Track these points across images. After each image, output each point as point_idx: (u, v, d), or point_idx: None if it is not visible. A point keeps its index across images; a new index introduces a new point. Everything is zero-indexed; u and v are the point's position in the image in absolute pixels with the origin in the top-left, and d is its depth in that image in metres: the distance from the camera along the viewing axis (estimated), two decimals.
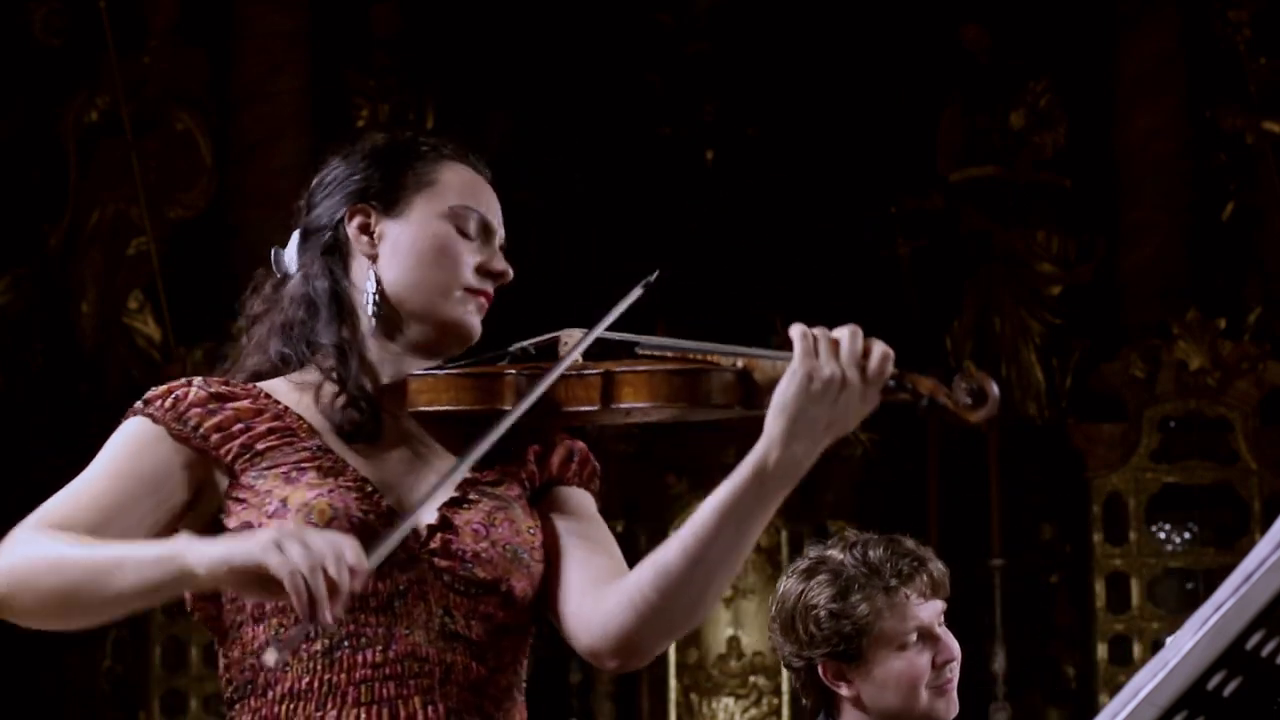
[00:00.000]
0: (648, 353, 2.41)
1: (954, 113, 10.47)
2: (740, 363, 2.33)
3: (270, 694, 2.31)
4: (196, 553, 2.17)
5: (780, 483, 2.24)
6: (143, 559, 2.21)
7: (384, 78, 10.48)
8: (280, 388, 2.44)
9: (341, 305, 2.44)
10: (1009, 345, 10.11)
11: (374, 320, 2.43)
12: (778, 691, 9.22)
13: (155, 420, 2.40)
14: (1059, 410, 9.99)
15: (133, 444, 2.42)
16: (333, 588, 2.10)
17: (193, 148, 9.94)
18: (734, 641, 9.21)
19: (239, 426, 2.38)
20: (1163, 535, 9.21)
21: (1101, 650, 8.96)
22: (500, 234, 2.48)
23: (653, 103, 10.79)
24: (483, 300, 2.45)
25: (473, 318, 2.44)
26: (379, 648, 2.29)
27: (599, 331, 2.40)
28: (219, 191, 10.00)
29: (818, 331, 2.26)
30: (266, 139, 9.98)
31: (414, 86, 10.50)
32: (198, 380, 2.43)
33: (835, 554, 3.11)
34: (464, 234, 2.44)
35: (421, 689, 2.29)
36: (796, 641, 3.09)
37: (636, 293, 2.47)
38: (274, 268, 2.55)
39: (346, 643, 2.29)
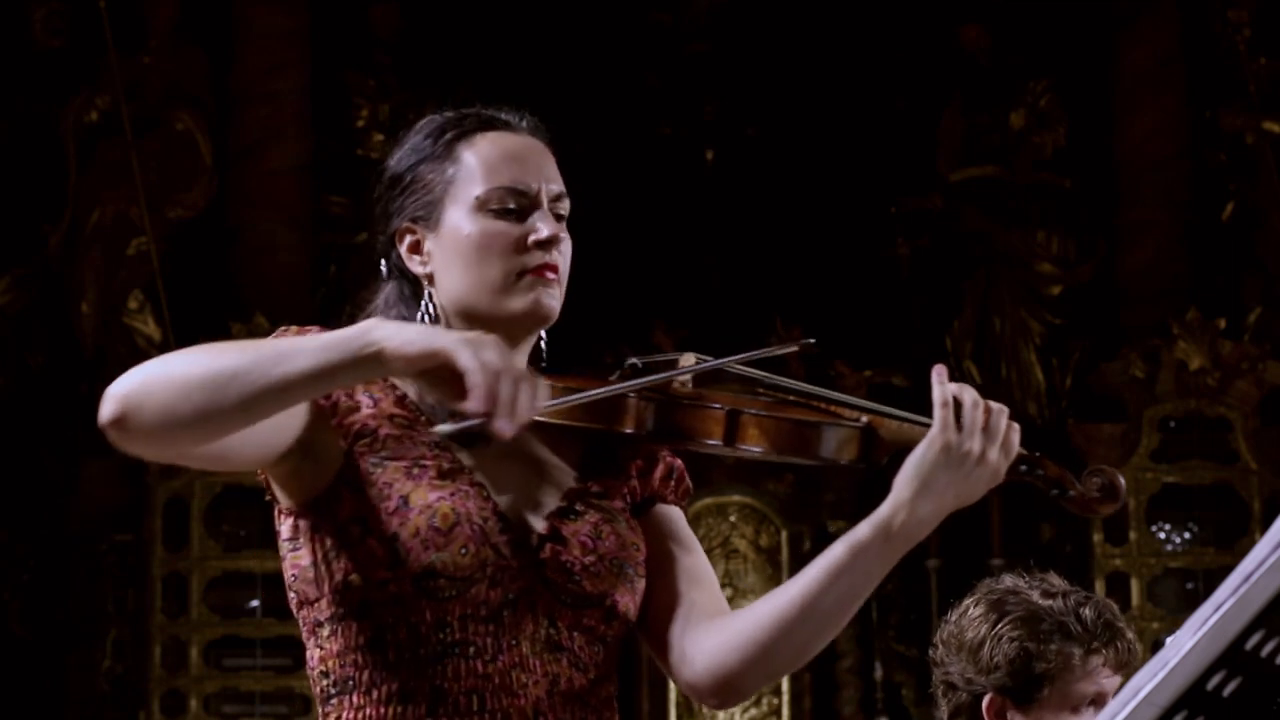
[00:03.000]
0: (769, 396, 2.36)
1: (954, 113, 10.48)
2: (864, 418, 2.32)
3: (375, 693, 2.25)
4: (387, 332, 2.10)
5: (903, 544, 2.27)
6: (322, 341, 2.11)
7: (384, 78, 10.48)
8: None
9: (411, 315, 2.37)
10: (1009, 345, 10.11)
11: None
12: (778, 692, 9.22)
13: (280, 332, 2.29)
14: (1059, 410, 10.00)
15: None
16: (514, 402, 2.06)
17: (193, 148, 9.94)
18: None
19: (366, 400, 2.31)
20: (1163, 535, 9.21)
21: None
22: (546, 191, 2.35)
23: (653, 103, 10.80)
24: (548, 274, 2.33)
25: (543, 299, 2.33)
26: (486, 658, 2.25)
27: (726, 362, 2.34)
28: (219, 191, 10.00)
29: (965, 396, 2.29)
30: (266, 139, 9.99)
31: (414, 86, 10.51)
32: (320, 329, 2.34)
33: (1036, 596, 3.06)
34: (502, 215, 2.33)
35: (530, 700, 2.26)
36: (975, 666, 3.05)
37: (789, 348, 2.45)
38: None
39: (456, 650, 2.24)
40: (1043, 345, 10.16)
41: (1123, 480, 2.33)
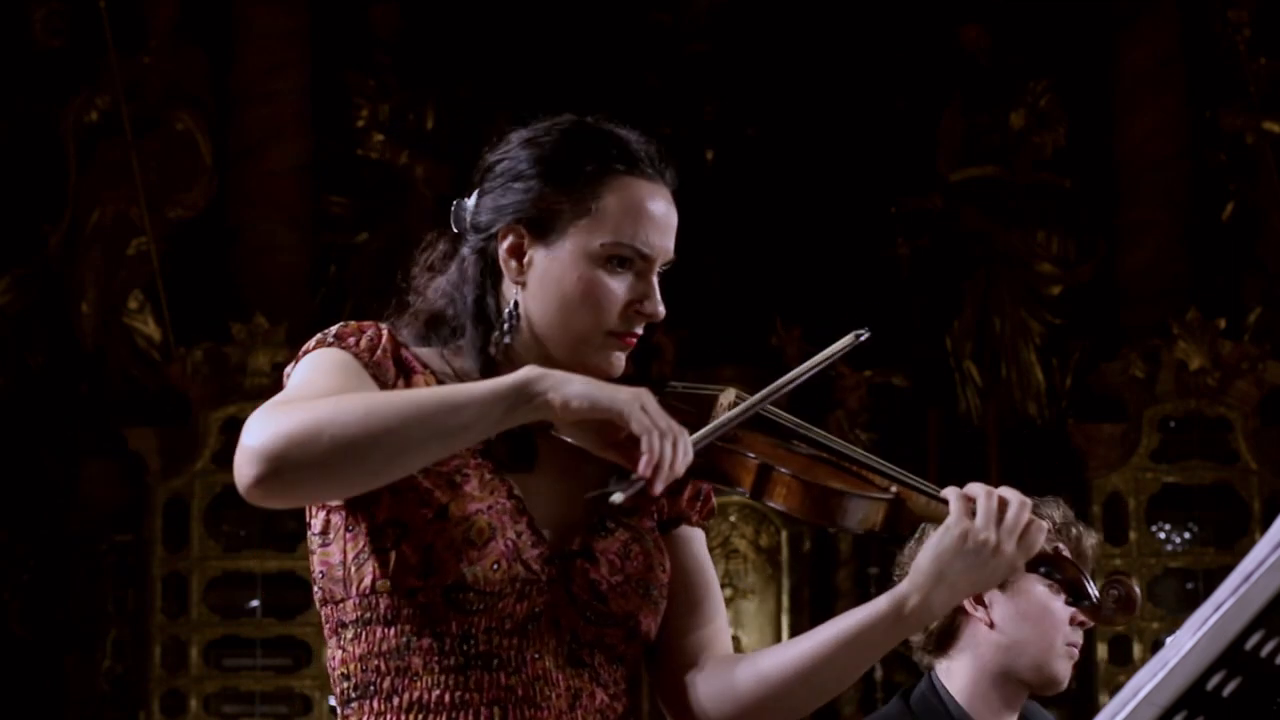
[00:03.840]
0: (805, 449, 2.35)
1: (954, 113, 10.48)
2: (894, 489, 2.30)
3: (396, 700, 2.25)
4: (552, 383, 2.12)
5: (913, 626, 2.29)
6: (487, 394, 2.12)
7: (384, 78, 10.48)
8: (436, 365, 2.36)
9: (486, 319, 2.35)
10: (1009, 345, 10.11)
11: (509, 340, 2.34)
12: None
13: (355, 356, 2.28)
14: (1059, 410, 10.00)
15: (340, 370, 2.26)
16: (675, 463, 2.11)
17: (193, 148, 9.94)
18: (734, 642, 9.20)
19: None
20: (1163, 535, 9.21)
21: (1101, 650, 8.96)
22: (663, 257, 2.36)
23: (653, 103, 10.79)
24: (631, 341, 2.34)
25: (615, 362, 2.34)
26: (510, 670, 2.25)
27: (763, 404, 2.33)
28: (219, 191, 10.00)
29: (980, 492, 2.28)
30: (266, 139, 9.99)
31: (414, 86, 10.51)
32: (385, 327, 2.34)
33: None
34: (616, 269, 2.32)
35: (553, 712, 2.26)
36: None
37: (845, 342, 2.43)
38: (452, 223, 2.41)
39: (479, 661, 2.24)
40: (1043, 345, 10.16)
41: (1138, 591, 2.35)
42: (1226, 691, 1.82)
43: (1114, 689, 8.40)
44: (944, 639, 3.15)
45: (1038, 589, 3.08)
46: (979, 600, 3.10)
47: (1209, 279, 10.16)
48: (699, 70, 10.92)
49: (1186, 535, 9.22)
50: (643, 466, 2.10)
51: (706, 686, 2.36)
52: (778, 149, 10.81)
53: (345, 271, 10.21)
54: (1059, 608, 3.08)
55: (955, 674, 3.15)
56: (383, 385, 2.28)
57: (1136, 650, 8.92)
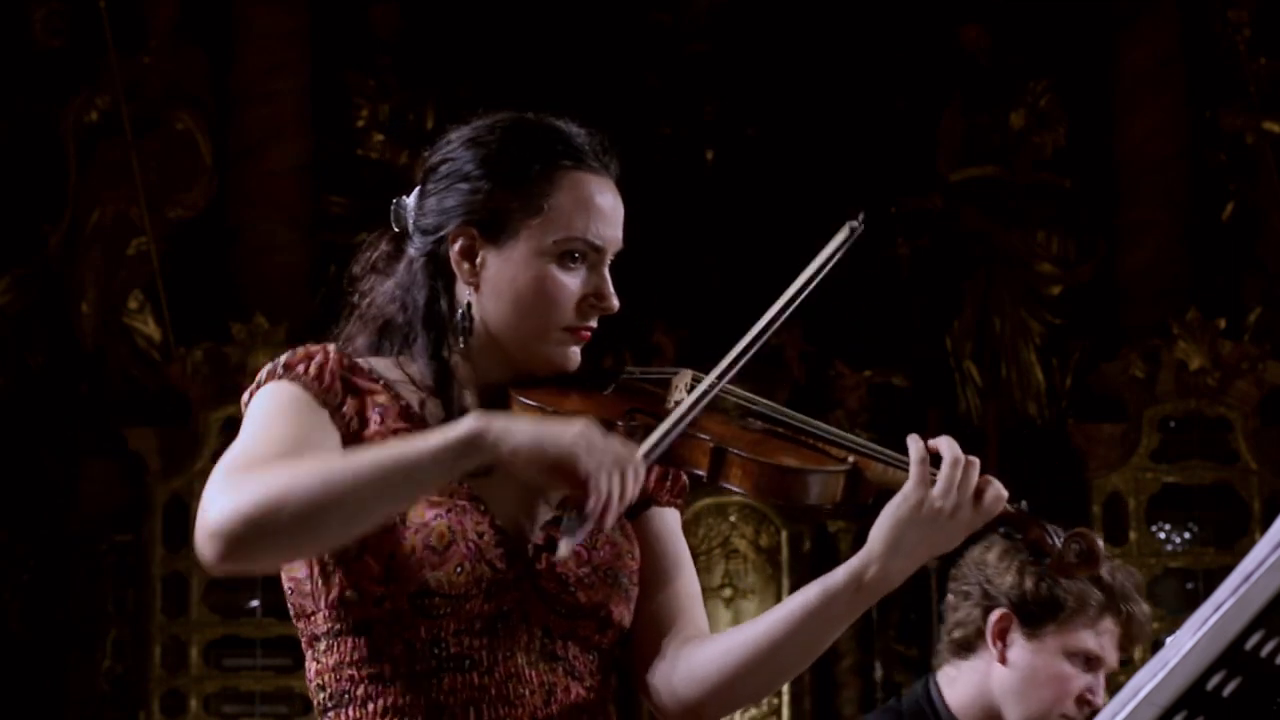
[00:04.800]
0: (760, 425, 2.35)
1: (954, 113, 10.47)
2: (852, 459, 2.30)
3: (371, 706, 2.26)
4: (497, 435, 2.12)
5: (873, 594, 2.30)
6: (438, 451, 2.11)
7: (384, 78, 10.48)
8: (391, 374, 2.36)
9: (439, 323, 2.36)
10: (1009, 345, 10.11)
11: (463, 343, 2.35)
12: (778, 691, 9.21)
13: (304, 387, 2.30)
14: (1059, 410, 9.99)
15: (291, 410, 2.28)
16: (624, 496, 2.12)
17: (193, 148, 9.94)
18: None
19: (375, 415, 2.32)
20: (1163, 535, 9.21)
21: None
22: (613, 247, 2.38)
23: (653, 103, 10.79)
24: (585, 334, 2.37)
25: (570, 355, 2.37)
26: (482, 670, 2.26)
27: (721, 384, 2.32)
28: (219, 191, 9.99)
29: (944, 451, 2.27)
30: (266, 139, 9.98)
31: (414, 87, 10.51)
32: (332, 348, 2.34)
33: None
34: (570, 264, 2.34)
35: (528, 710, 2.27)
36: (997, 581, 3.06)
37: (840, 237, 2.47)
38: (393, 222, 2.42)
39: (451, 664, 2.25)
40: (1043, 345, 10.16)
41: (1101, 544, 2.32)
42: (1226, 691, 1.82)
43: (1114, 689, 8.39)
44: (963, 646, 3.14)
45: (1062, 660, 3.07)
46: (1003, 633, 3.09)
47: (1209, 279, 10.15)
48: (699, 70, 10.91)
49: (1186, 535, 9.22)
50: (591, 507, 2.11)
51: (674, 668, 2.36)
52: (778, 149, 10.80)
53: (345, 271, 10.19)
54: (1074, 684, 3.07)
55: (959, 685, 3.14)
56: (333, 410, 2.28)
57: (1136, 650, 8.91)
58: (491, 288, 2.34)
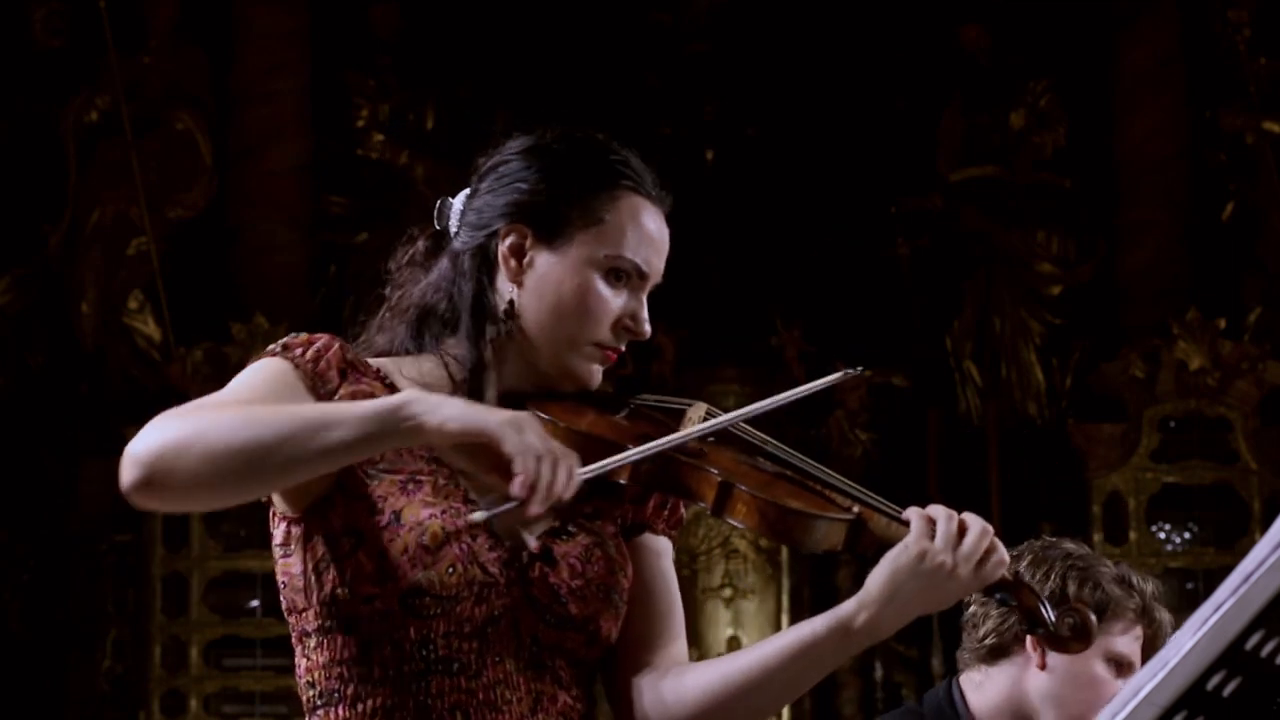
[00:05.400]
0: (770, 466, 2.34)
1: (954, 113, 10.48)
2: (856, 509, 2.30)
3: (360, 707, 2.26)
4: (427, 407, 2.12)
5: (862, 641, 2.29)
6: (362, 413, 2.11)
7: (384, 78, 10.48)
8: (398, 376, 2.36)
9: (482, 316, 2.37)
10: (1009, 345, 10.11)
11: (502, 334, 2.36)
12: None
13: (295, 366, 2.29)
14: (1059, 410, 10.00)
15: (271, 382, 2.27)
16: (553, 485, 2.10)
17: (193, 148, 9.94)
18: (734, 642, 9.21)
19: None
20: (1163, 535, 9.21)
21: None
22: (655, 278, 2.41)
23: (653, 103, 10.80)
24: (612, 356, 2.38)
25: (594, 372, 2.37)
26: (470, 673, 2.26)
27: (733, 420, 2.32)
28: (219, 191, 10.00)
29: (940, 514, 2.27)
30: (266, 139, 9.99)
31: (414, 86, 10.51)
32: (337, 341, 2.34)
33: (1120, 569, 3.11)
34: (614, 282, 2.36)
35: (514, 716, 2.27)
36: (1039, 586, 3.06)
37: (834, 378, 2.42)
38: (435, 220, 2.43)
39: (440, 666, 2.25)
40: (1043, 345, 10.16)
41: (1094, 619, 2.33)
42: (1226, 691, 1.82)
43: None
44: (996, 652, 3.13)
45: (1101, 664, 3.07)
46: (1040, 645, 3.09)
47: (1209, 279, 10.15)
48: (699, 70, 10.91)
49: (1186, 535, 9.22)
50: (516, 487, 2.10)
51: (654, 695, 2.35)
52: (778, 149, 10.80)
53: (345, 271, 10.21)
54: (1111, 688, 3.06)
55: (987, 690, 3.13)
56: (322, 396, 2.28)
57: None
58: (535, 287, 2.35)
